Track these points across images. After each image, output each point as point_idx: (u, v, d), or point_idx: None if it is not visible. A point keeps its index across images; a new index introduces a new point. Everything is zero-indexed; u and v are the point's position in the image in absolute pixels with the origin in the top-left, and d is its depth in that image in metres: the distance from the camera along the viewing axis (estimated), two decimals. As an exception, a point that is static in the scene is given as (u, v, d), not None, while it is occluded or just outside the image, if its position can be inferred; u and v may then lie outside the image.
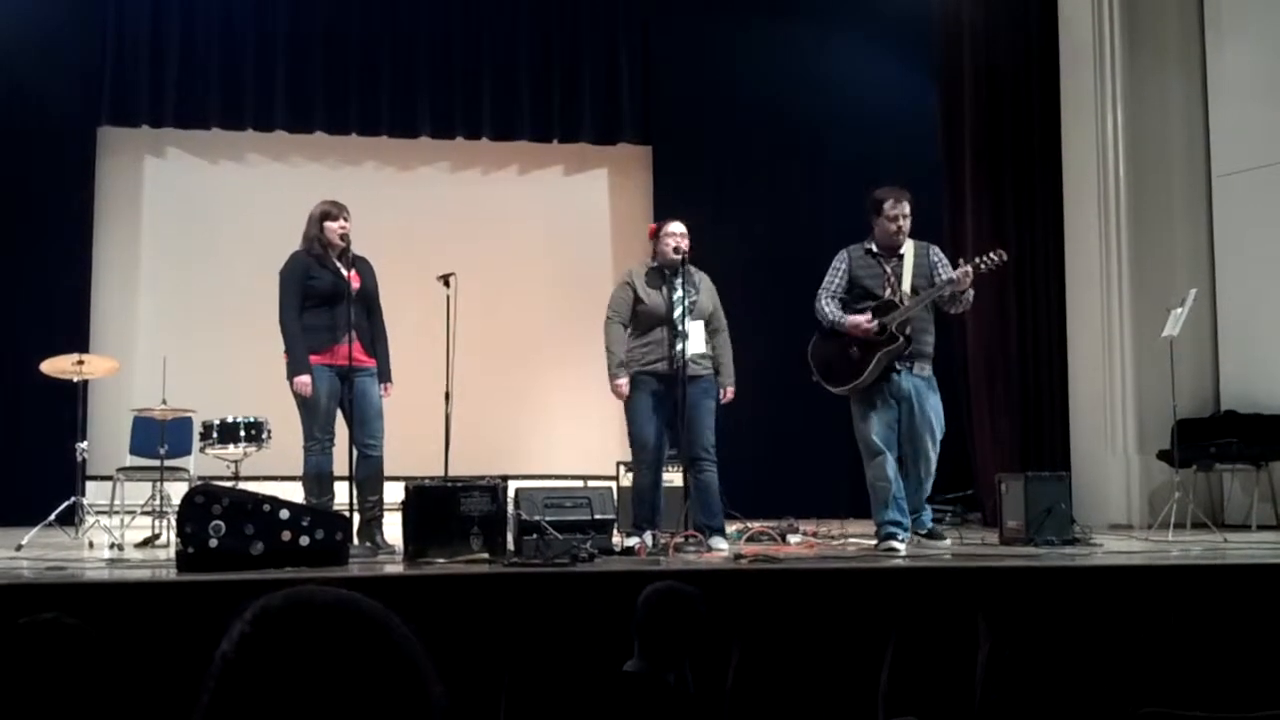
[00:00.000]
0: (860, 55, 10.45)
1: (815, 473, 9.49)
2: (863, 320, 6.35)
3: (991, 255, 6.48)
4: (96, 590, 4.74)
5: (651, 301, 6.60)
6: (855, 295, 6.52)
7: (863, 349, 6.35)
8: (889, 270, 6.49)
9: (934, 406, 6.48)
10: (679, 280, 6.55)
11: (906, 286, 6.45)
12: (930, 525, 6.58)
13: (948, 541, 6.41)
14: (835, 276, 6.57)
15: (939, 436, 6.50)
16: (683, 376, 6.42)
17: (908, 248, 6.56)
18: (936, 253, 6.68)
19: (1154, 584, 4.98)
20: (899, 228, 6.50)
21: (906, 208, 6.53)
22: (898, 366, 6.39)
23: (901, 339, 6.32)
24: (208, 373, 8.99)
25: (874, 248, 6.57)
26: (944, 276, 6.49)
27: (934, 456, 6.50)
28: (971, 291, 6.49)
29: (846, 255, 6.61)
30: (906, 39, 10.12)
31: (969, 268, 6.38)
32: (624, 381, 6.59)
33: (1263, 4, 8.48)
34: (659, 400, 6.55)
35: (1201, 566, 5.62)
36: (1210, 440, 8.05)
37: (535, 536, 5.74)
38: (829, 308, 6.50)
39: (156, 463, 7.50)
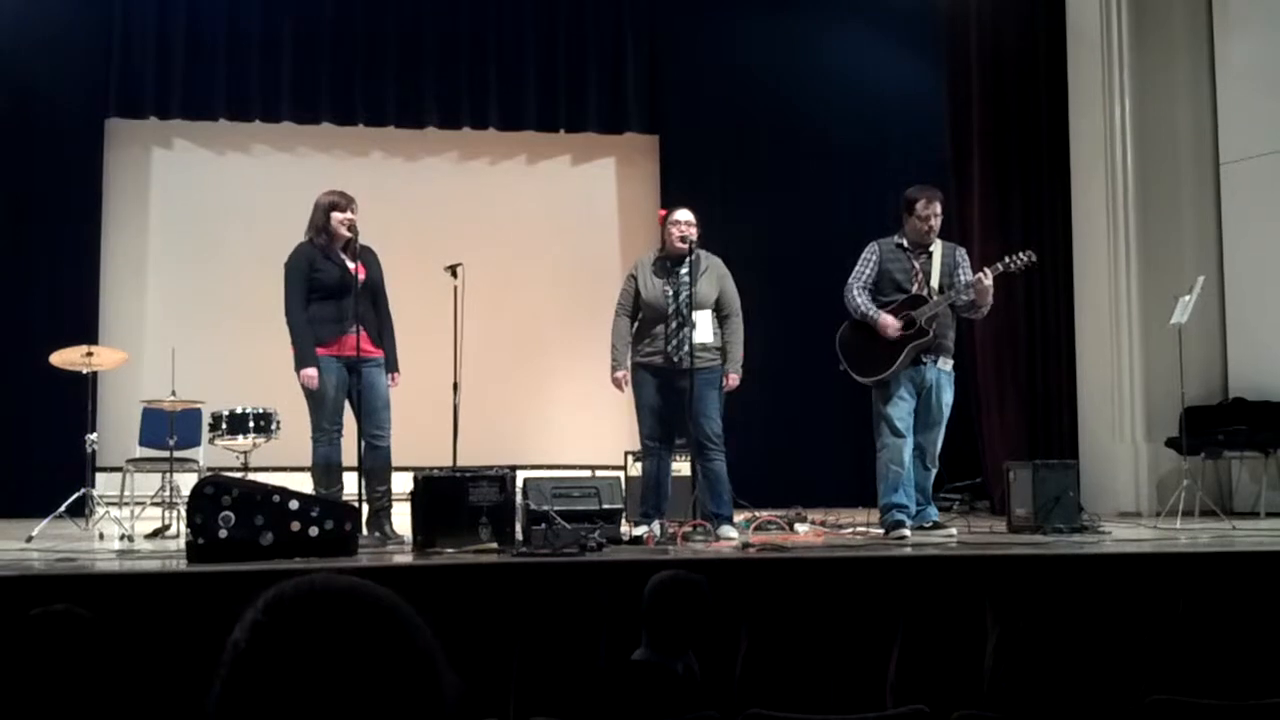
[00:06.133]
0: (867, 44, 10.43)
1: (823, 462, 9.49)
2: (892, 323, 6.44)
3: (1020, 255, 6.59)
4: (107, 581, 4.75)
5: (650, 293, 6.60)
6: (884, 288, 6.61)
7: (892, 341, 6.46)
8: (918, 266, 6.62)
9: (948, 401, 6.62)
10: (684, 270, 6.55)
11: (935, 283, 6.58)
12: (935, 519, 6.61)
13: (954, 532, 6.43)
14: (866, 268, 6.66)
15: (944, 428, 6.62)
16: (690, 367, 6.41)
17: (936, 246, 6.68)
18: (962, 255, 6.80)
19: (1162, 572, 4.97)
20: (930, 227, 6.62)
21: (938, 208, 6.66)
22: (923, 359, 6.49)
23: (930, 332, 6.45)
24: (216, 364, 9.02)
25: (904, 243, 6.67)
26: (964, 279, 6.59)
27: (940, 447, 6.62)
28: (989, 305, 6.62)
29: (877, 248, 6.70)
30: (913, 28, 10.10)
31: (985, 276, 6.46)
32: (621, 375, 6.66)
33: (1271, -10, 8.45)
34: (662, 391, 6.56)
35: (1210, 554, 5.61)
36: (1218, 428, 8.04)
37: (543, 526, 5.75)
38: (861, 299, 6.58)
39: (166, 454, 7.52)
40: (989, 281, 6.48)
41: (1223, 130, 8.64)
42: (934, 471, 6.66)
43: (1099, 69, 8.69)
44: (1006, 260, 6.58)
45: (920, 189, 6.72)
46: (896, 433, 6.44)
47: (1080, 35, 8.89)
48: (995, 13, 9.26)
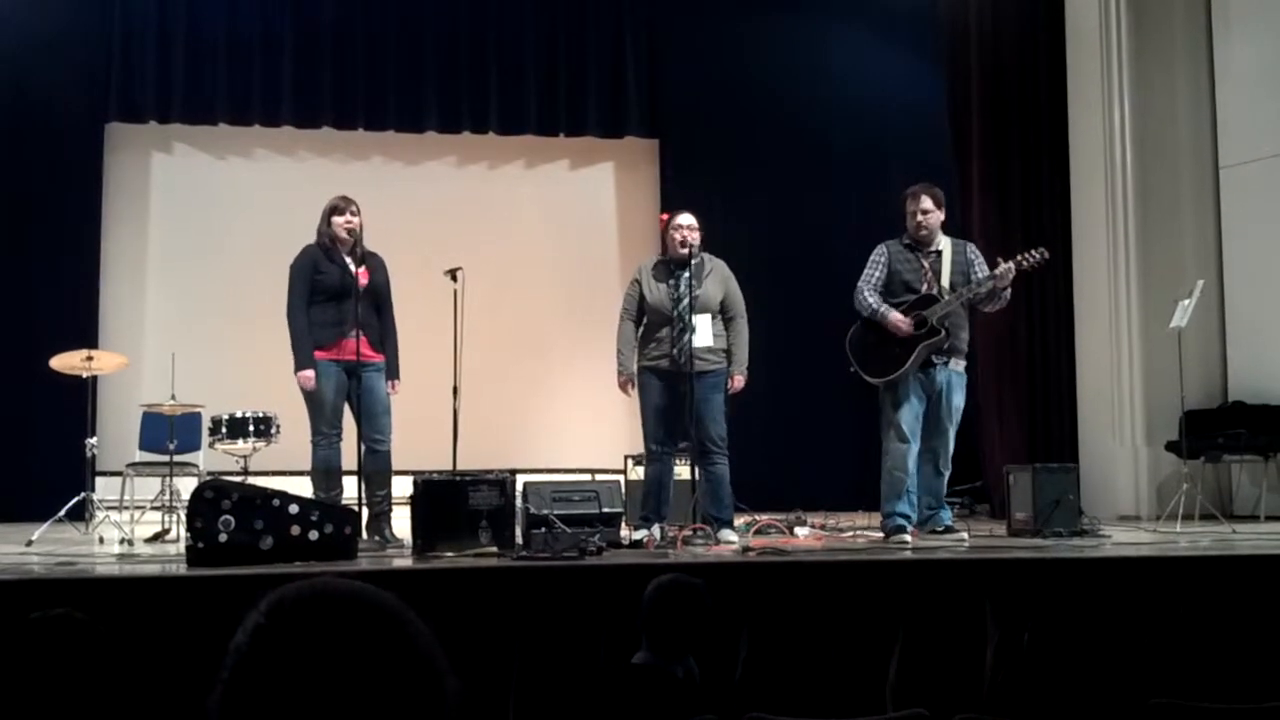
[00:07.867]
0: (867, 47, 10.43)
1: (824, 465, 9.49)
2: (903, 322, 6.40)
3: (1033, 253, 6.54)
4: (106, 585, 4.75)
5: (655, 297, 6.58)
6: (894, 289, 6.58)
7: (903, 342, 6.41)
8: (927, 266, 6.58)
9: (959, 404, 6.58)
10: (686, 273, 6.54)
11: (946, 282, 6.54)
12: (949, 523, 6.59)
13: (965, 537, 6.40)
14: (875, 270, 6.63)
15: (956, 430, 6.60)
16: (691, 370, 6.40)
17: (945, 245, 6.64)
18: (974, 251, 6.77)
19: (1163, 575, 4.97)
20: (919, 224, 6.60)
21: (926, 203, 6.61)
22: (935, 360, 6.45)
23: (942, 332, 6.40)
24: (216, 368, 9.02)
25: (912, 242, 6.65)
26: (980, 274, 6.55)
27: (951, 449, 6.60)
28: (1009, 291, 6.57)
29: (885, 249, 6.68)
30: (913, 31, 10.11)
31: (1011, 265, 6.44)
32: (626, 379, 6.63)
33: (1270, -7, 8.45)
34: (667, 394, 6.54)
35: (1210, 558, 5.61)
36: (1218, 431, 8.04)
37: (543, 530, 5.74)
38: (872, 299, 6.54)
39: (166, 458, 7.53)
40: (1010, 266, 6.43)
41: (1222, 134, 8.64)
42: (947, 475, 6.62)
43: (1099, 72, 8.69)
44: (1019, 258, 6.50)
45: (911, 187, 6.72)
46: (903, 438, 6.40)
47: (1080, 38, 8.90)
48: (995, 16, 9.27)
